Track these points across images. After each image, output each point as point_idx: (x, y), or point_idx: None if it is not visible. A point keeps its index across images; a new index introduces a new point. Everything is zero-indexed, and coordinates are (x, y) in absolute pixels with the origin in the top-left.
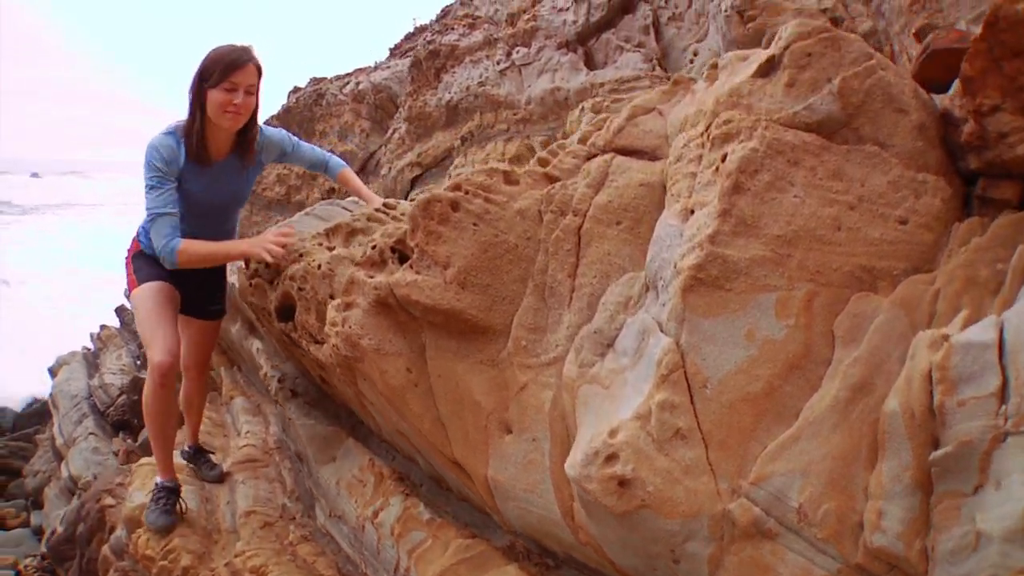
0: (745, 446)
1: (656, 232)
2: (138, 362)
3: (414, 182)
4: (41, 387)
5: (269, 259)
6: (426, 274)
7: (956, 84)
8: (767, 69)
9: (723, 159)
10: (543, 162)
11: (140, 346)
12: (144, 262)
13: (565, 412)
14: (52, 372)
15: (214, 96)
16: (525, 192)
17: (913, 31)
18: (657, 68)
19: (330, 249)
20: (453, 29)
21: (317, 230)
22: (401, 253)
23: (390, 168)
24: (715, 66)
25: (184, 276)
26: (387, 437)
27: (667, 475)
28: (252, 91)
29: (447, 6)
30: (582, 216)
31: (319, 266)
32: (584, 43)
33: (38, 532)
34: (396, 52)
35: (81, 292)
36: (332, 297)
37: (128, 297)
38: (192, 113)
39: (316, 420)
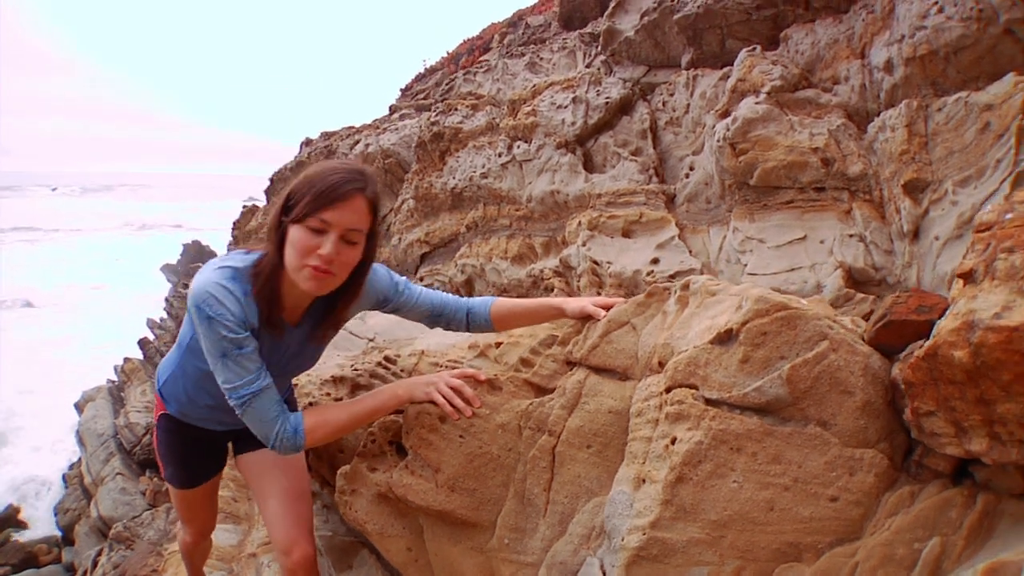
0: None
1: (612, 492)
2: None
3: (423, 258)
4: (67, 421)
5: (448, 409)
6: (420, 474)
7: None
8: (725, 337)
9: (673, 441)
10: (526, 363)
11: None
12: (170, 445)
13: None
14: (78, 407)
15: (295, 236)
16: (507, 403)
17: (902, 183)
18: (654, 179)
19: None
20: (456, 109)
21: (335, 360)
22: (398, 444)
23: (400, 239)
24: (687, 287)
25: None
26: None
27: None
28: (355, 239)
29: (451, 77)
30: (556, 437)
31: None
32: (582, 144)
33: (70, 569)
34: (407, 93)
35: (105, 312)
36: (341, 451)
37: None
38: (269, 255)
39: (334, 528)
